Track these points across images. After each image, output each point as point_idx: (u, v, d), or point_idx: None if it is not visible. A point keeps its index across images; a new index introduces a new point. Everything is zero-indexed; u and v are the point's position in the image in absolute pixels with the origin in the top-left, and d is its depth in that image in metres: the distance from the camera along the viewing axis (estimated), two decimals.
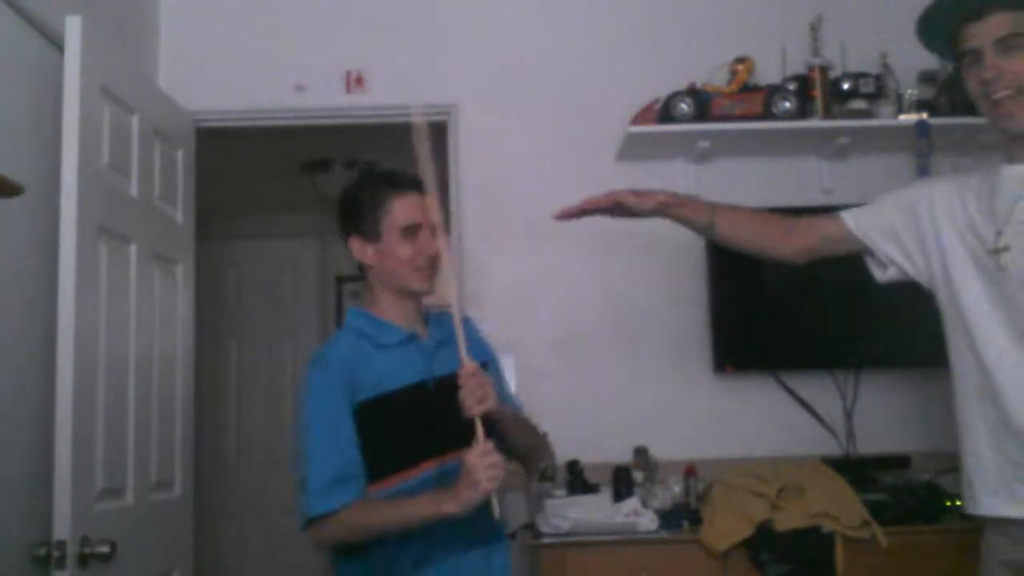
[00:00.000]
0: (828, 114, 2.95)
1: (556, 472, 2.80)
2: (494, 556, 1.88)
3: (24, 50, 2.34)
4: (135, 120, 2.59)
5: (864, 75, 2.97)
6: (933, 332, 1.87)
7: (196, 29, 3.20)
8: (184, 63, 3.17)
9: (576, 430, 2.84)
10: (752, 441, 2.98)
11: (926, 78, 3.01)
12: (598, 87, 3.16)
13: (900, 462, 2.85)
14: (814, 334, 2.99)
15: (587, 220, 2.07)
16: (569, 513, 2.57)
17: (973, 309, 1.77)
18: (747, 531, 2.49)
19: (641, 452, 2.89)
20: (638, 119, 2.95)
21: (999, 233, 1.74)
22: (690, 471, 2.82)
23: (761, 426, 3.02)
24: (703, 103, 2.93)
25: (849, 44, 3.07)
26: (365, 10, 3.22)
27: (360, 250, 1.91)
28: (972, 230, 1.79)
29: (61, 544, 2.07)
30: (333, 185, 4.52)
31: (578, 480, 2.79)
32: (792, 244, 2.03)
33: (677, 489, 2.79)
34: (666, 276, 3.10)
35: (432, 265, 1.87)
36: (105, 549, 2.14)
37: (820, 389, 3.01)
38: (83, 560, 2.10)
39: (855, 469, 2.77)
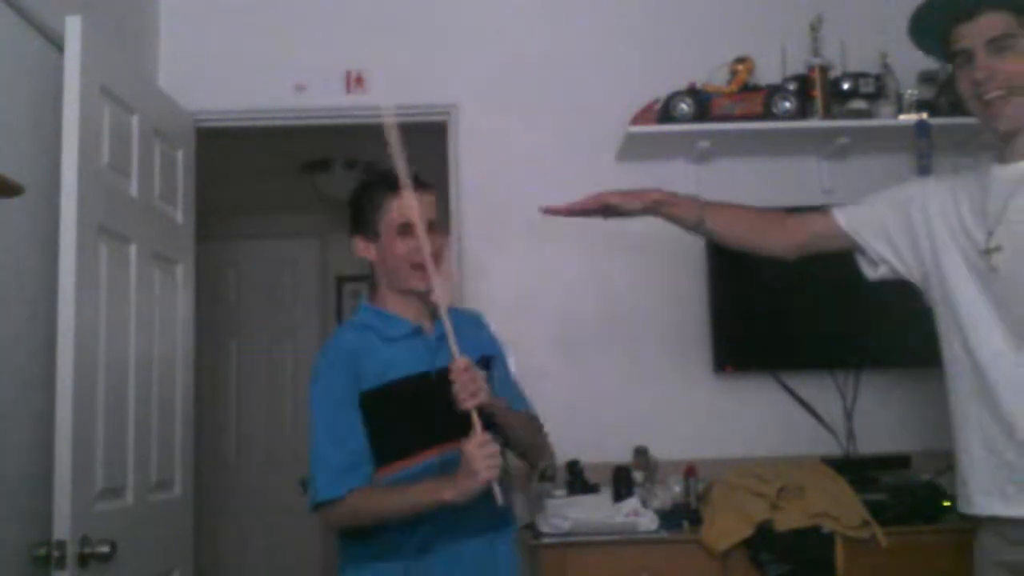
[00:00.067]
0: (828, 114, 2.95)
1: (556, 472, 2.80)
2: (498, 543, 1.94)
3: (24, 50, 2.34)
4: (135, 120, 2.59)
5: (864, 75, 2.97)
6: (933, 332, 1.88)
7: (196, 29, 3.20)
8: (184, 63, 3.17)
9: (576, 430, 2.84)
10: (752, 441, 2.98)
11: (926, 78, 3.01)
12: (598, 87, 3.16)
13: (900, 462, 2.85)
14: (814, 334, 2.99)
15: (587, 220, 2.08)
16: (569, 513, 2.57)
17: (967, 309, 1.77)
18: (747, 531, 2.49)
19: (641, 452, 2.89)
20: (638, 119, 2.95)
21: (991, 233, 1.74)
22: (690, 471, 2.82)
23: (761, 426, 3.02)
24: (703, 103, 2.93)
25: (849, 44, 3.07)
26: (365, 10, 3.22)
27: (364, 249, 2.00)
28: (964, 230, 1.79)
29: (61, 544, 2.07)
30: (333, 185, 4.52)
31: (578, 480, 2.79)
32: (782, 240, 2.03)
33: (677, 489, 2.79)
34: (666, 276, 3.09)
35: (430, 264, 1.88)
36: (105, 549, 2.14)
37: (820, 389, 3.01)
38: (83, 560, 2.11)
39: (855, 469, 2.77)
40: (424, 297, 1.96)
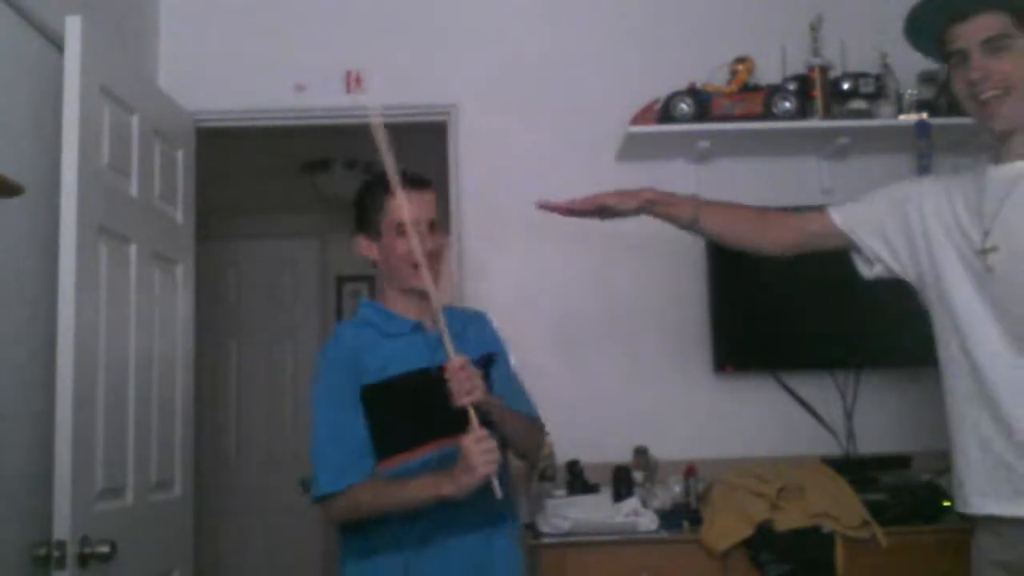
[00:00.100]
0: (828, 114, 2.95)
1: (556, 472, 2.80)
2: (496, 538, 1.95)
3: (24, 50, 2.34)
4: (135, 120, 2.59)
5: (864, 75, 2.97)
6: (932, 332, 1.87)
7: (196, 29, 3.20)
8: (184, 63, 3.17)
9: (576, 430, 2.85)
10: (752, 441, 2.98)
11: (926, 78, 3.01)
12: (598, 87, 3.16)
13: (900, 462, 2.84)
14: (814, 334, 2.98)
15: (586, 220, 2.08)
16: (569, 513, 2.57)
17: (964, 309, 1.76)
18: (747, 531, 2.49)
19: (641, 452, 2.89)
20: (638, 119, 2.95)
21: (986, 234, 1.73)
22: (690, 471, 2.82)
23: (761, 426, 3.02)
24: (703, 103, 2.93)
25: (849, 44, 3.07)
26: (365, 10, 3.22)
27: (367, 248, 2.04)
28: (960, 230, 1.78)
29: (61, 544, 2.07)
30: (333, 185, 4.52)
31: (578, 480, 2.80)
32: (778, 239, 2.03)
33: (677, 489, 2.79)
34: (666, 276, 3.10)
35: (423, 263, 1.88)
36: (105, 549, 2.14)
37: (820, 389, 3.01)
38: (83, 560, 2.11)
39: (855, 469, 2.77)
40: (425, 296, 1.96)
